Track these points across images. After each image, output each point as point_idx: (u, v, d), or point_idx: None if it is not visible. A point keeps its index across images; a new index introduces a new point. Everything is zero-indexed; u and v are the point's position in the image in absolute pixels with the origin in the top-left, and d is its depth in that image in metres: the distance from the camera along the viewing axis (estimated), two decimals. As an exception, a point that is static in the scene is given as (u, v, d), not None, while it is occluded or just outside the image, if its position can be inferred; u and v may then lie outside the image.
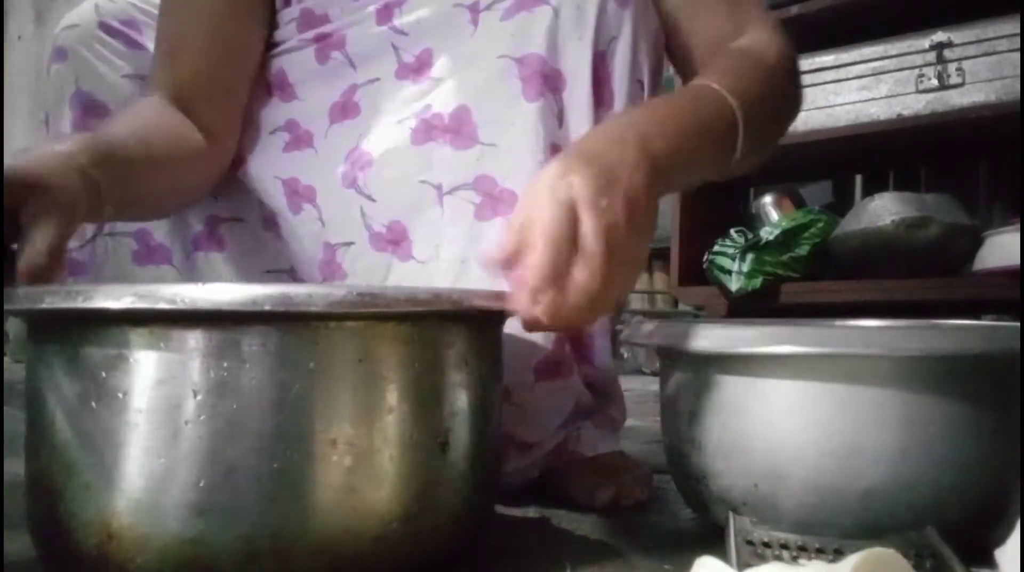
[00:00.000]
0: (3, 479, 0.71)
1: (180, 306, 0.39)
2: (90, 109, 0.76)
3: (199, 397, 0.40)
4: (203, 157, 0.72)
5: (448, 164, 0.65)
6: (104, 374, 0.41)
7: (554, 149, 0.64)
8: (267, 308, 0.39)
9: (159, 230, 0.78)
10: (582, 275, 0.43)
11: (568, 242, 0.43)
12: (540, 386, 0.65)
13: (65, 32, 0.77)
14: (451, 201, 0.65)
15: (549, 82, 0.63)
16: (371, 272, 0.70)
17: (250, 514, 0.40)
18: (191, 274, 0.78)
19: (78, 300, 0.40)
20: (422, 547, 0.45)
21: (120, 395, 0.40)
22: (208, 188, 0.75)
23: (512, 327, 0.64)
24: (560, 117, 0.64)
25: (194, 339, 0.40)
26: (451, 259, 0.65)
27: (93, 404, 0.41)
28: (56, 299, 0.41)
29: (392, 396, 0.43)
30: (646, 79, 0.66)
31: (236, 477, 0.40)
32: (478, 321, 0.50)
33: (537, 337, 0.63)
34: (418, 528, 0.44)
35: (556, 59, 0.63)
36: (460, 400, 0.47)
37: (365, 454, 0.42)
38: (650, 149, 0.47)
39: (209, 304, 0.39)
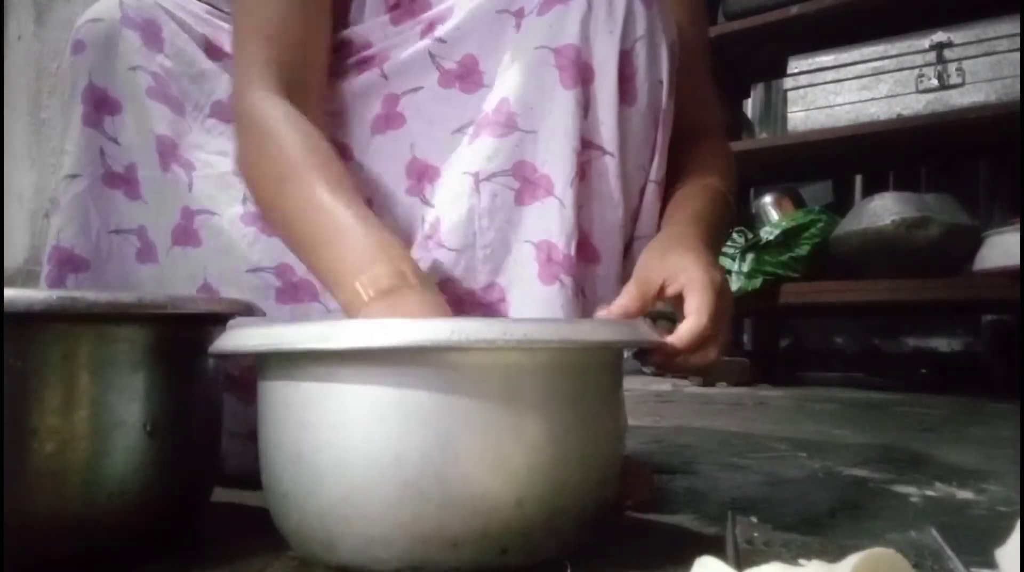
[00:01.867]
0: (3, 479, 0.71)
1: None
2: (101, 104, 0.76)
3: None
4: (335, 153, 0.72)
5: (487, 152, 0.67)
6: None
7: (581, 139, 0.65)
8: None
9: (152, 228, 0.77)
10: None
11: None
12: None
13: (87, 26, 0.77)
14: (489, 187, 0.66)
15: (581, 73, 0.65)
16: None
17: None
18: (172, 270, 0.77)
19: None
20: (132, 522, 0.49)
21: None
22: None
23: (530, 307, 0.65)
24: (586, 108, 0.66)
25: None
26: (490, 245, 0.66)
27: None
28: None
29: (93, 389, 0.47)
30: (665, 79, 0.68)
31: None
32: (188, 323, 0.53)
33: (564, 314, 0.65)
34: (128, 505, 0.48)
35: (588, 51, 0.65)
36: (165, 393, 0.51)
37: (67, 440, 0.46)
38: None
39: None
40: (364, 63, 0.74)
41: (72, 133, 0.77)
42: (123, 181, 0.77)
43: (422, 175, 0.71)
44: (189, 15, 0.80)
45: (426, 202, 0.70)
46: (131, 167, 0.77)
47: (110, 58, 0.76)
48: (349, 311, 0.58)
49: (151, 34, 0.77)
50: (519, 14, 0.67)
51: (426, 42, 0.71)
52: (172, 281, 0.76)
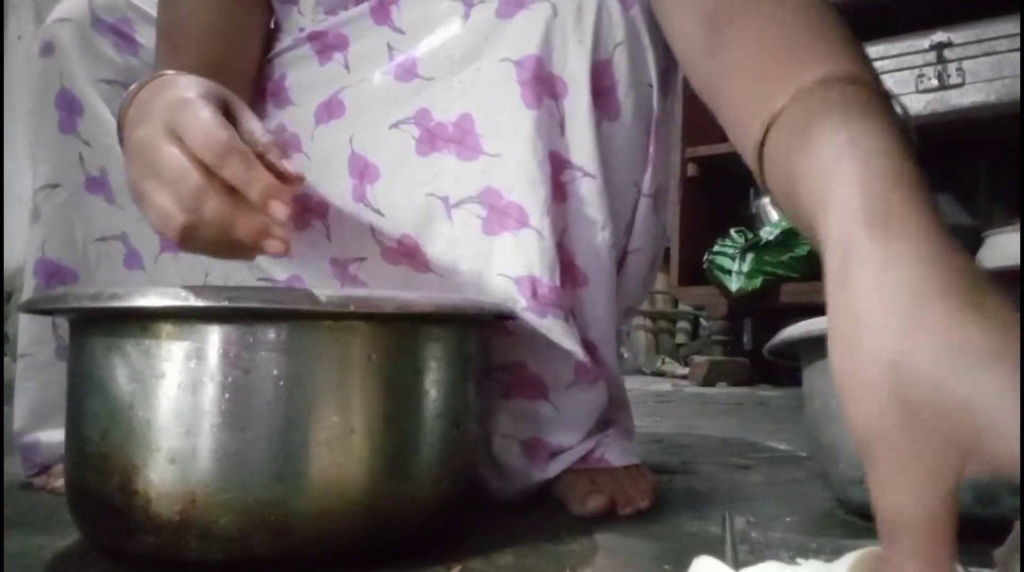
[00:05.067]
0: (3, 479, 0.71)
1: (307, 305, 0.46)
2: (73, 107, 0.73)
3: (281, 383, 0.45)
4: None
5: (453, 175, 0.63)
6: (193, 363, 0.45)
7: (553, 157, 0.61)
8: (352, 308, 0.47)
9: (132, 235, 0.74)
10: None
11: None
12: (575, 387, 0.65)
13: (56, 25, 0.73)
14: (459, 214, 0.63)
15: (547, 87, 0.60)
16: (391, 282, 0.67)
17: (322, 481, 0.46)
18: (161, 277, 0.74)
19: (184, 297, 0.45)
20: (430, 514, 0.52)
21: (205, 380, 0.45)
22: None
23: (549, 330, 0.63)
24: (562, 124, 0.62)
25: (272, 332, 0.45)
26: (469, 273, 0.63)
27: (176, 389, 0.45)
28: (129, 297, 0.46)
29: (423, 384, 0.51)
30: (655, 81, 0.64)
31: (309, 450, 0.46)
32: (478, 324, 0.58)
33: (571, 343, 0.63)
34: (438, 493, 0.52)
35: (553, 63, 0.60)
36: (463, 388, 0.54)
37: (407, 430, 0.50)
38: None
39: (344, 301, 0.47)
40: (317, 38, 0.70)
41: (47, 140, 0.73)
42: (100, 185, 0.73)
43: (363, 174, 0.67)
44: None
45: (372, 209, 0.66)
46: (103, 170, 0.73)
47: (82, 62, 0.72)
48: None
49: (124, 37, 0.74)
50: (468, 3, 0.63)
51: (384, 29, 0.67)
52: (163, 285, 0.74)
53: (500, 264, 0.62)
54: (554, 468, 0.67)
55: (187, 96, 0.49)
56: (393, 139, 0.65)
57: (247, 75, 0.72)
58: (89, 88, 0.72)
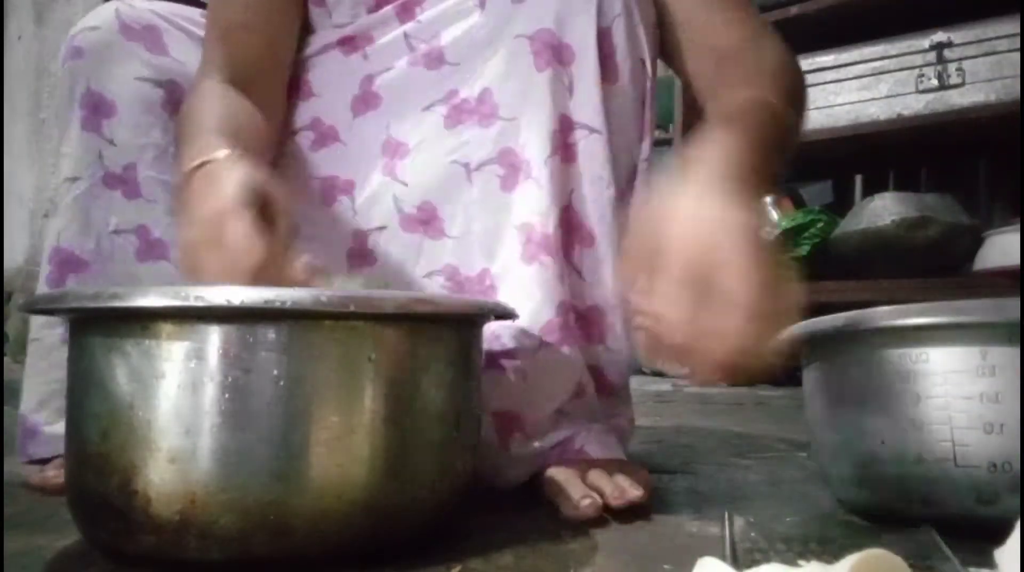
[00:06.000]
0: (3, 479, 0.71)
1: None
2: (99, 108, 0.76)
3: (281, 383, 0.45)
4: (266, 135, 0.74)
5: (476, 142, 0.69)
6: (193, 363, 0.45)
7: (563, 119, 0.67)
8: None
9: (157, 226, 0.78)
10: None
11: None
12: (545, 350, 0.66)
13: (84, 33, 0.77)
14: (479, 177, 0.69)
15: (557, 54, 0.66)
16: (403, 253, 0.72)
17: (322, 481, 0.46)
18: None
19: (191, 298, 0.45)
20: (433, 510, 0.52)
21: (205, 380, 0.45)
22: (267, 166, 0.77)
23: (515, 289, 0.66)
24: (570, 88, 0.67)
25: (272, 332, 0.45)
26: (482, 232, 0.69)
27: (176, 389, 0.45)
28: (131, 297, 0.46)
29: (423, 384, 0.51)
30: (647, 58, 0.69)
31: (309, 450, 0.46)
32: (479, 323, 0.58)
33: (543, 301, 0.66)
34: (438, 493, 0.52)
35: (564, 32, 0.66)
36: (467, 387, 0.55)
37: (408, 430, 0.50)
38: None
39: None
40: (347, 43, 0.77)
41: (71, 136, 0.77)
42: (120, 181, 0.77)
43: (394, 153, 0.74)
44: (187, 20, 0.81)
45: (396, 179, 0.73)
46: (130, 167, 0.77)
47: (109, 65, 0.76)
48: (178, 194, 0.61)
49: (152, 41, 0.78)
50: (481, 3, 0.70)
51: (406, 25, 0.74)
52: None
53: (514, 216, 0.68)
54: (525, 449, 0.68)
55: (229, 207, 0.54)
56: (425, 120, 0.72)
57: (283, 70, 0.79)
58: (121, 88, 0.77)
